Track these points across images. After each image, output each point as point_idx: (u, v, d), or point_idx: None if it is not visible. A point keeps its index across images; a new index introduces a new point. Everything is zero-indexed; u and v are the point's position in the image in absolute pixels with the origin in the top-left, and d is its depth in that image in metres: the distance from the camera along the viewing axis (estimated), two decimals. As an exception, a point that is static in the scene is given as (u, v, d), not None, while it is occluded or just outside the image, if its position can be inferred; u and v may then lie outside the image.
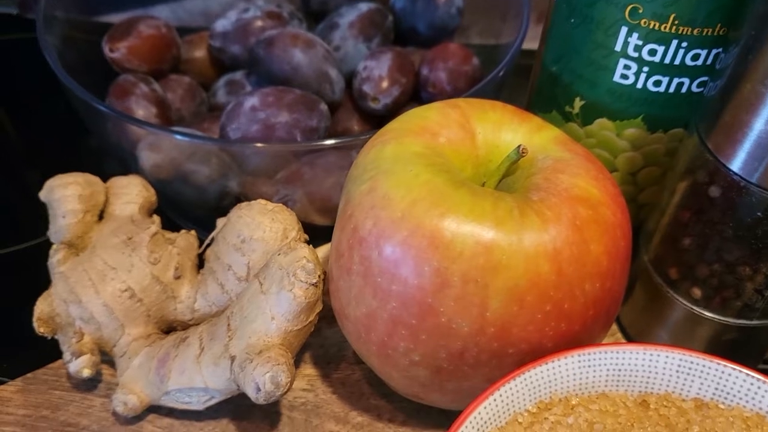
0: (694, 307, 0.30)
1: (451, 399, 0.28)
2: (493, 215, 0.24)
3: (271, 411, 0.31)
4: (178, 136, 0.33)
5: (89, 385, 0.32)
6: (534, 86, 0.35)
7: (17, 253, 0.41)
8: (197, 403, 0.29)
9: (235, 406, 0.31)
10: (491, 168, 0.27)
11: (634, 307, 0.33)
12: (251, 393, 0.26)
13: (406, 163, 0.25)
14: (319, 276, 0.27)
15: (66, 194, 0.31)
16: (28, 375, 0.32)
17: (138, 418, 0.31)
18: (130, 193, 0.33)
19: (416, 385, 0.27)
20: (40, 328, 0.30)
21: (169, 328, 0.32)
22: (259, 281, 0.28)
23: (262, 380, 0.26)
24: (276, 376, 0.26)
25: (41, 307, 0.30)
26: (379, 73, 0.40)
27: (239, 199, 0.37)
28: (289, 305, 0.27)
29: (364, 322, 0.26)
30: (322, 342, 0.34)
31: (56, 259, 0.31)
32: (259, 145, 0.33)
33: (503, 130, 0.27)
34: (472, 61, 0.41)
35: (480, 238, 0.23)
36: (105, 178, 0.35)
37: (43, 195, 0.32)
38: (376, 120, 0.42)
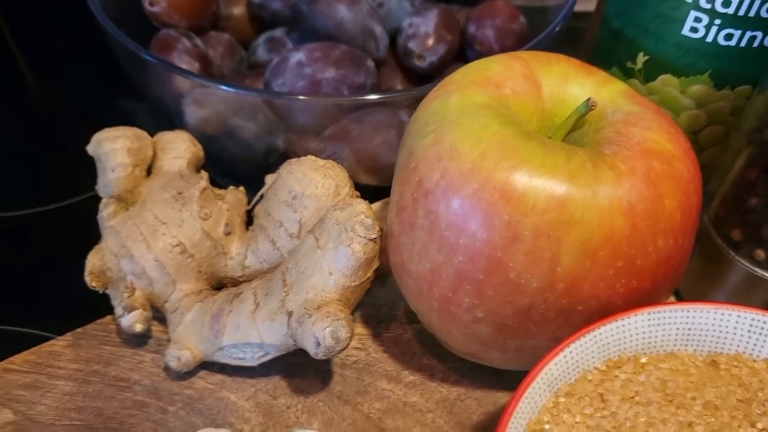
0: (757, 269, 0.29)
1: (510, 358, 0.27)
2: (566, 168, 0.23)
3: (323, 369, 0.31)
4: (228, 88, 0.32)
5: (139, 340, 0.32)
6: (592, 43, 0.34)
7: (62, 210, 0.41)
8: (251, 359, 0.29)
9: (287, 363, 0.31)
10: (557, 122, 0.26)
11: (691, 270, 0.33)
12: (310, 348, 0.26)
13: (473, 115, 0.25)
14: (377, 231, 0.27)
15: (115, 147, 0.31)
16: (78, 330, 0.32)
17: (190, 373, 0.30)
18: (178, 148, 0.33)
19: (476, 343, 0.27)
20: (92, 283, 0.30)
21: (219, 284, 0.32)
22: (314, 237, 0.28)
23: (321, 335, 0.26)
24: (336, 331, 0.26)
25: (93, 261, 0.30)
26: (425, 30, 0.39)
27: (285, 155, 0.36)
28: (347, 260, 0.27)
29: (427, 278, 0.25)
30: (373, 301, 0.33)
31: (106, 213, 0.30)
32: (308, 98, 0.32)
33: (569, 83, 0.26)
34: (519, 19, 0.40)
35: (553, 192, 0.22)
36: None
37: (90, 149, 0.32)
38: (420, 79, 0.41)
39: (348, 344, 0.26)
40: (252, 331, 0.28)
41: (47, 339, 0.32)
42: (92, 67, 0.53)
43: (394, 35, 0.41)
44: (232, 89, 0.32)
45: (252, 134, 0.35)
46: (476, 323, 0.25)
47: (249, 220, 0.33)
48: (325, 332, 0.26)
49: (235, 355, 0.29)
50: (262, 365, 0.29)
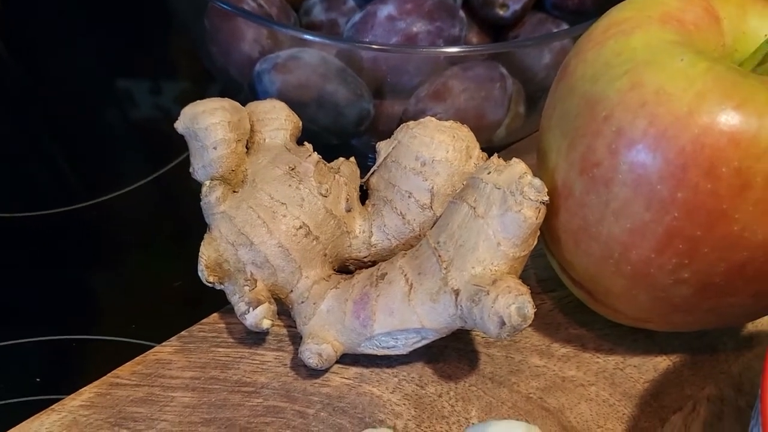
0: None
1: (694, 320, 0.25)
2: (792, 104, 0.21)
3: (467, 350, 0.28)
4: (342, 44, 0.28)
5: (255, 338, 0.28)
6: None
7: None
8: (403, 346, 0.26)
9: (426, 348, 0.27)
10: (737, 57, 0.24)
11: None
12: (492, 328, 0.23)
13: (670, 53, 0.22)
14: (546, 192, 0.24)
15: (214, 121, 0.27)
16: (183, 333, 0.28)
17: (322, 370, 0.27)
18: (279, 118, 0.29)
19: (663, 307, 0.24)
20: (209, 278, 0.26)
21: (342, 267, 0.29)
22: (468, 204, 0.25)
23: (506, 313, 0.23)
24: (522, 307, 0.23)
25: (207, 253, 0.26)
26: (506, -24, 0.36)
27: (376, 123, 0.33)
28: (518, 228, 0.24)
29: (622, 240, 0.23)
30: (505, 272, 0.30)
31: (214, 197, 0.26)
32: (431, 50, 0.29)
33: (748, 15, 0.24)
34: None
35: (786, 131, 0.20)
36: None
37: (182, 125, 0.27)
38: (495, 30, 0.38)
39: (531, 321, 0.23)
40: (410, 316, 0.25)
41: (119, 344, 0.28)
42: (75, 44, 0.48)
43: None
44: (345, 44, 0.28)
45: (345, 99, 0.31)
46: (677, 285, 0.23)
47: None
48: (511, 309, 0.23)
49: (385, 344, 0.26)
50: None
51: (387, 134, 0.30)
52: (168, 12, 0.49)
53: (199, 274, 0.26)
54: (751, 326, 0.29)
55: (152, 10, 0.51)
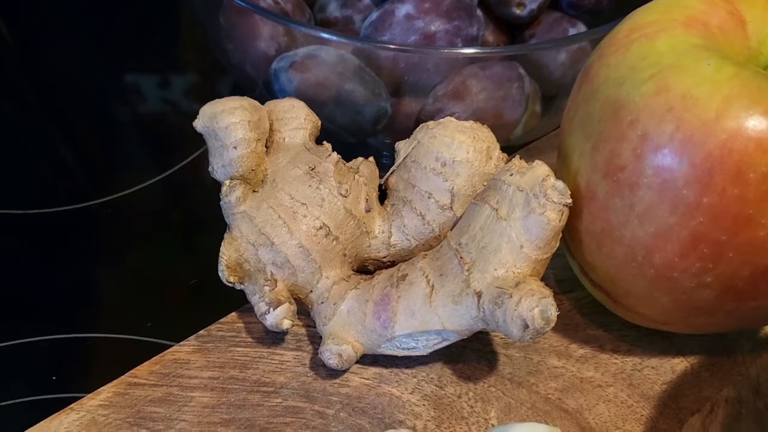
0: None
1: (715, 322, 0.25)
2: (818, 109, 0.20)
3: (485, 351, 0.28)
4: (361, 44, 0.28)
5: (274, 338, 0.28)
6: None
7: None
8: (424, 347, 0.26)
9: (445, 348, 0.27)
10: (762, 60, 0.24)
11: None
12: (516, 331, 0.23)
13: (695, 57, 0.22)
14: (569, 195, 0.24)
15: (234, 121, 0.27)
16: (201, 332, 0.28)
17: (342, 371, 0.27)
18: (298, 117, 0.29)
19: (685, 310, 0.24)
20: (229, 278, 0.26)
21: (360, 267, 0.29)
22: (490, 206, 0.25)
23: (530, 315, 0.23)
24: (546, 310, 0.23)
25: (228, 253, 0.26)
26: (523, -25, 0.36)
27: (393, 122, 0.33)
28: (541, 230, 0.24)
29: (647, 243, 0.23)
30: (523, 272, 0.30)
31: (234, 197, 0.26)
32: (451, 50, 0.29)
33: (773, 16, 0.24)
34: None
35: (812, 136, 0.20)
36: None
37: (200, 124, 0.27)
38: (511, 29, 0.38)
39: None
40: (431, 317, 0.25)
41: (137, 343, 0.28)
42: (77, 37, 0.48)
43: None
44: (365, 44, 0.28)
45: (362, 97, 0.31)
46: (700, 288, 0.23)
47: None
48: (534, 312, 0.23)
49: (406, 345, 0.26)
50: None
51: (403, 132, 0.30)
52: (178, 6, 0.49)
53: (220, 274, 0.26)
54: (768, 328, 0.29)
55: (160, 4, 0.51)
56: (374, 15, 0.33)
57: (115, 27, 0.51)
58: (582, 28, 0.37)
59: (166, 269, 0.33)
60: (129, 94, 0.46)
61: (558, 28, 0.37)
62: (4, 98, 0.46)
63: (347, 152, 0.29)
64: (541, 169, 0.25)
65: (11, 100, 0.46)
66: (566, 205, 0.24)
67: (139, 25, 0.51)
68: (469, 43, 0.32)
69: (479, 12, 0.33)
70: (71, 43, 0.50)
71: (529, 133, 0.35)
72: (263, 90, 0.34)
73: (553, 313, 0.23)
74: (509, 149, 0.35)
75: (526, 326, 0.23)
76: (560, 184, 0.24)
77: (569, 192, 0.24)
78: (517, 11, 0.36)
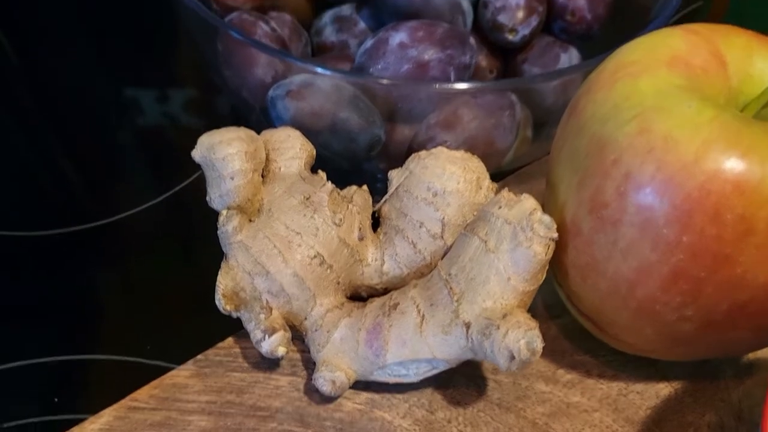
0: None
1: (694, 351, 0.26)
2: (794, 152, 0.21)
3: (475, 375, 0.29)
4: (356, 78, 0.29)
5: (270, 364, 0.29)
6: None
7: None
8: (414, 375, 0.27)
9: (436, 374, 0.28)
10: (742, 100, 0.25)
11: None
12: (502, 361, 0.24)
13: (677, 99, 0.23)
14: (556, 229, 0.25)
15: (231, 152, 0.27)
16: (199, 357, 0.29)
17: (335, 396, 0.28)
18: (294, 147, 0.29)
19: (668, 341, 0.25)
20: (226, 306, 0.27)
21: (354, 294, 0.29)
22: (479, 238, 0.26)
23: (516, 347, 0.24)
24: (531, 342, 0.24)
25: (224, 282, 0.27)
26: (515, 2, 0.36)
27: (387, 147, 0.34)
28: (527, 263, 0.25)
29: (629, 278, 0.23)
30: (513, 298, 0.31)
31: (231, 227, 0.27)
32: (443, 86, 0.30)
33: (754, 57, 0.25)
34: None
35: (787, 179, 0.21)
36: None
37: (198, 154, 0.28)
38: (503, 53, 0.38)
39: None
40: (422, 347, 0.26)
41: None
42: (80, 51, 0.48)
43: (474, 7, 0.38)
44: (358, 78, 0.29)
45: (357, 125, 0.32)
46: (680, 321, 0.24)
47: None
48: (521, 344, 0.24)
49: (397, 372, 0.27)
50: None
51: (397, 158, 0.31)
52: (177, 21, 0.49)
53: (216, 303, 0.27)
54: (752, 354, 0.30)
55: (158, 18, 0.52)
56: (369, 43, 0.33)
57: (116, 42, 0.52)
58: (574, 52, 0.38)
59: (167, 293, 0.34)
60: (130, 109, 0.47)
61: (550, 53, 0.38)
62: (4, 110, 0.47)
63: (341, 178, 0.30)
64: (528, 202, 0.25)
65: (12, 113, 0.47)
66: (552, 239, 0.25)
67: (138, 39, 0.52)
68: (462, 71, 0.33)
69: (472, 40, 0.34)
70: (72, 54, 0.51)
71: (520, 158, 0.36)
72: (260, 115, 0.34)
73: (538, 344, 0.24)
74: (501, 174, 0.36)
75: (513, 357, 0.24)
76: (547, 218, 0.25)
77: (555, 226, 0.25)
78: (510, 37, 0.37)
